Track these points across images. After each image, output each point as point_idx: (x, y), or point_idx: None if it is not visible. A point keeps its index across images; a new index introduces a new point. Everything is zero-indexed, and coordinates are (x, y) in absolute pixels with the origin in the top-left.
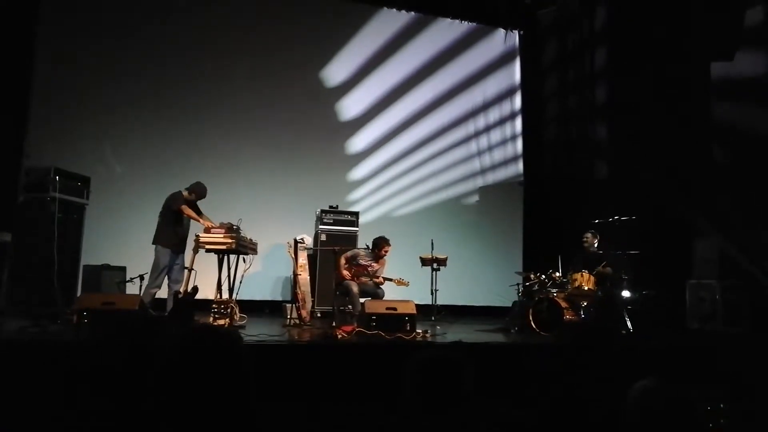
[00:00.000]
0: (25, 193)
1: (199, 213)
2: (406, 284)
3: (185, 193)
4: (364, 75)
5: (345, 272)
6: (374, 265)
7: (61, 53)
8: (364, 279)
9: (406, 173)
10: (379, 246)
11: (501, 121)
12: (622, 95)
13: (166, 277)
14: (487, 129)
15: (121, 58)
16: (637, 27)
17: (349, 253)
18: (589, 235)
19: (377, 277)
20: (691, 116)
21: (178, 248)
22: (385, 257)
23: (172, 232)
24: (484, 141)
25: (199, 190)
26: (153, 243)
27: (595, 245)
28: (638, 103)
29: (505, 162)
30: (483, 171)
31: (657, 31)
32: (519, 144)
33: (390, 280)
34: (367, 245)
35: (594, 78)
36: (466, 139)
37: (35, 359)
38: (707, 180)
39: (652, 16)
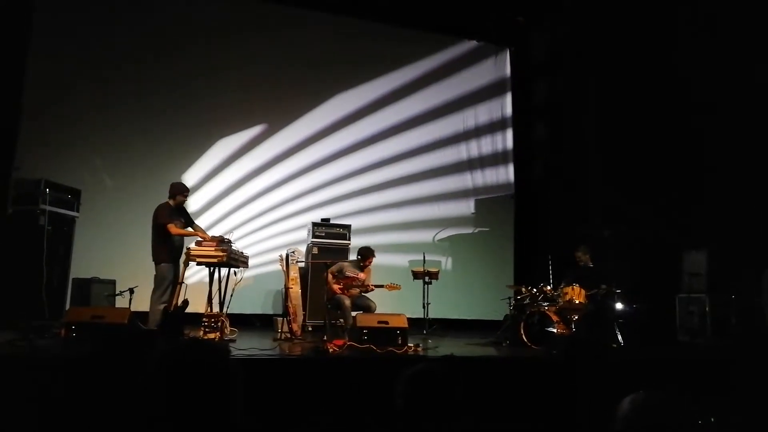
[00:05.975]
0: (14, 205)
1: (190, 221)
2: (398, 288)
3: (170, 202)
4: (353, 92)
5: (335, 286)
6: (360, 275)
7: (53, 65)
8: (354, 291)
9: (397, 187)
10: (366, 256)
11: (492, 136)
12: (611, 112)
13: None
14: (479, 143)
15: (113, 71)
16: (627, 41)
17: (334, 268)
18: (579, 253)
19: (367, 286)
20: (682, 132)
21: (178, 259)
22: (369, 266)
23: (168, 245)
24: (475, 154)
25: (175, 191)
26: (154, 261)
27: (589, 261)
28: (629, 120)
29: (497, 176)
30: (474, 185)
31: (645, 47)
32: (510, 158)
33: (380, 286)
34: (358, 257)
35: (584, 94)
36: (458, 153)
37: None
38: (697, 194)
39: (642, 29)
